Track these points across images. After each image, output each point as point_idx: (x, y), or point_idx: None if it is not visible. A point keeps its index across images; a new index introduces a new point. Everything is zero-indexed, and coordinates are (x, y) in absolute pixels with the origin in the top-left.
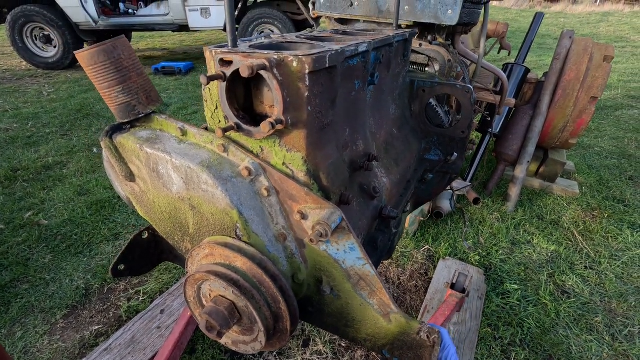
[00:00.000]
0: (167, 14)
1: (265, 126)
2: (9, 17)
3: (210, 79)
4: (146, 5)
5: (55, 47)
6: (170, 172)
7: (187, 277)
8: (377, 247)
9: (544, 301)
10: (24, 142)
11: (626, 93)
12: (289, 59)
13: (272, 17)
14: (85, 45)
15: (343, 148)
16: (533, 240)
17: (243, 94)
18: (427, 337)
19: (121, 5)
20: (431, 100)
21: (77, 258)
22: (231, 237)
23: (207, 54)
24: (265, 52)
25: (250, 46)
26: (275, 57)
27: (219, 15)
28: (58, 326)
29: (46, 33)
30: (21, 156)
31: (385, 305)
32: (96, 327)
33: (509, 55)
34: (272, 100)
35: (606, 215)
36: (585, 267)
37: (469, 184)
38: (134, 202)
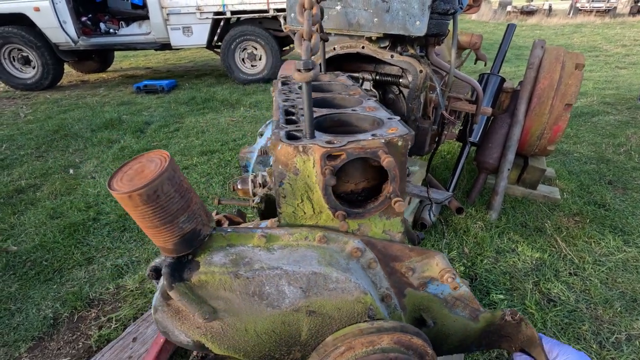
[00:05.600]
0: (149, 33)
1: (400, 206)
2: None
3: (333, 173)
4: (127, 25)
5: (34, 68)
6: (283, 287)
7: None
8: None
9: (531, 310)
10: None
11: (601, 100)
12: (395, 140)
13: (255, 34)
14: (65, 66)
15: None
16: (517, 248)
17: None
18: (512, 318)
19: (102, 25)
20: None
21: (46, 285)
22: (361, 321)
23: (286, 149)
24: (369, 137)
25: (321, 131)
26: (383, 140)
27: (201, 33)
28: None
29: (24, 54)
30: None
31: (475, 310)
32: None
33: (485, 65)
34: (357, 178)
35: (588, 221)
36: (570, 273)
37: (451, 193)
38: (209, 342)
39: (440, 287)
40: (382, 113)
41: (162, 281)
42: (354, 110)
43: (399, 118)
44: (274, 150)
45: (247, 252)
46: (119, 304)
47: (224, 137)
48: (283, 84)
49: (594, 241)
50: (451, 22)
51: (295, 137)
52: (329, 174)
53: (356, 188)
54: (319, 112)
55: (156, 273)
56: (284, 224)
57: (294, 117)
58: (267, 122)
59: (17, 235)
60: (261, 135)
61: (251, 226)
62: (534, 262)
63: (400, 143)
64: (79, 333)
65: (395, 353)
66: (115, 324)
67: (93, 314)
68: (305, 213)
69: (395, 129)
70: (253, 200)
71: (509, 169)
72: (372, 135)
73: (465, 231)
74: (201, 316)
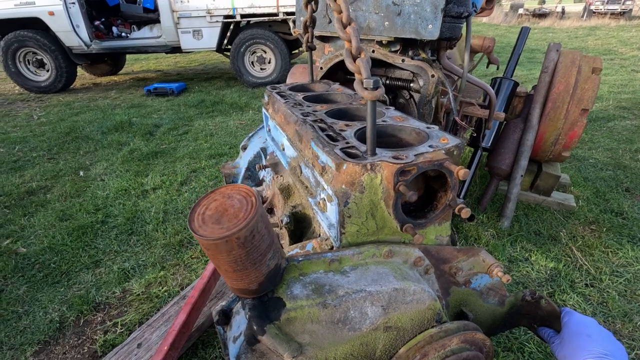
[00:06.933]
0: (160, 36)
1: (467, 212)
2: (2, 43)
3: (411, 188)
4: (139, 29)
5: (48, 71)
6: (366, 309)
7: None
8: None
9: None
10: (9, 167)
11: (617, 104)
12: (452, 149)
13: (264, 38)
14: (78, 69)
15: None
16: (531, 257)
17: None
18: (531, 297)
19: (114, 28)
20: None
21: (54, 288)
22: (429, 327)
23: (353, 168)
24: (427, 148)
25: (380, 149)
26: (444, 151)
27: (211, 37)
28: None
29: (39, 57)
30: (4, 181)
31: (503, 296)
32: None
33: (497, 69)
34: (412, 190)
35: (605, 229)
36: (586, 284)
37: (462, 200)
38: None
39: (478, 281)
40: (416, 122)
41: (242, 326)
42: (384, 121)
43: (437, 127)
44: (337, 170)
45: (322, 278)
46: (125, 309)
47: (233, 141)
48: (281, 95)
49: (611, 251)
50: (464, 25)
51: (353, 155)
52: (405, 190)
53: (409, 199)
54: (353, 125)
55: (225, 317)
56: (346, 243)
57: (331, 134)
58: (250, 134)
59: (27, 237)
60: (244, 149)
61: (300, 251)
62: (548, 272)
63: (455, 152)
64: (84, 337)
65: (466, 352)
66: (121, 328)
67: (99, 318)
68: (368, 230)
69: (446, 138)
70: (281, 221)
71: (522, 175)
72: (430, 146)
73: (477, 239)
74: (290, 355)
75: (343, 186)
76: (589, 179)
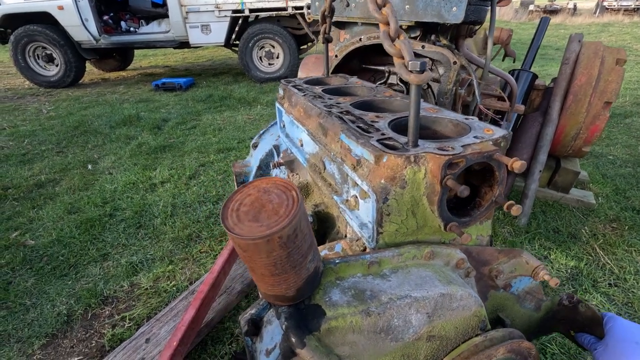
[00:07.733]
0: (168, 31)
1: (518, 210)
2: (12, 37)
3: (461, 184)
4: (147, 23)
5: (57, 65)
6: (410, 317)
7: None
8: None
9: None
10: (18, 160)
11: (634, 100)
12: (499, 140)
13: (273, 32)
14: (87, 64)
15: None
16: (550, 255)
17: None
18: (569, 301)
19: (122, 23)
20: None
21: (62, 281)
22: (474, 336)
23: (395, 161)
24: (472, 139)
25: (421, 140)
26: (491, 142)
27: (219, 32)
28: (34, 358)
29: (48, 52)
30: (14, 174)
31: (540, 301)
32: (76, 359)
33: (514, 62)
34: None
35: (626, 228)
36: (610, 284)
37: None
38: None
39: (517, 284)
40: (451, 114)
41: (275, 337)
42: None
43: (476, 118)
44: (376, 163)
45: (362, 283)
46: (133, 303)
47: (241, 135)
48: (298, 89)
49: (635, 250)
50: (489, 9)
51: (392, 147)
52: (454, 184)
53: (449, 195)
54: (384, 116)
55: (255, 328)
56: (382, 244)
57: (362, 125)
58: (261, 131)
59: (35, 229)
60: (255, 147)
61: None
62: (569, 270)
63: (503, 144)
64: (92, 331)
65: None
66: (129, 323)
67: (107, 312)
68: (407, 229)
69: (490, 129)
70: None
71: (540, 171)
72: (475, 137)
73: (493, 236)
74: None
75: (382, 181)
76: (607, 176)
